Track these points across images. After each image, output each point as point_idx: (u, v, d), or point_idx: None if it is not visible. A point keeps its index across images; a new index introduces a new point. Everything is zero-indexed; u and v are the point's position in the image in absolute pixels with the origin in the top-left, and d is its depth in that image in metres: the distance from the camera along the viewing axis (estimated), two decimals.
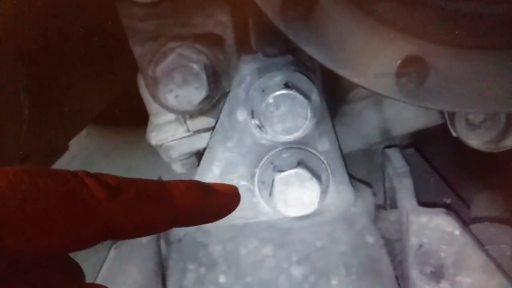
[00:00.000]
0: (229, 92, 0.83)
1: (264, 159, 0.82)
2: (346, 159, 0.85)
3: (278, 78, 0.80)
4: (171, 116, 0.85)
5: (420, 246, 0.78)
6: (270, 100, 0.78)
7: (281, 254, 0.81)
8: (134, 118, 0.96)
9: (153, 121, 0.87)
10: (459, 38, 0.62)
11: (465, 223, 0.83)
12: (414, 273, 0.78)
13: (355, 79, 0.64)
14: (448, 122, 0.84)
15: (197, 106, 0.78)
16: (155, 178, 0.89)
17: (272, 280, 0.80)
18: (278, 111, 0.78)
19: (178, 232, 0.84)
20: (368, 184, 0.89)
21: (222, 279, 0.80)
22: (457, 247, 0.77)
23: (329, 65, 0.63)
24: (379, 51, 0.63)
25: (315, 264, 0.80)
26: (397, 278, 0.80)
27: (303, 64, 0.82)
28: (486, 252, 0.77)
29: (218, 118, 0.83)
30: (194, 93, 0.76)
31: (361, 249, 0.81)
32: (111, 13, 0.73)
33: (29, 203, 0.23)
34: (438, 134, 0.94)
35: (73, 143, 0.98)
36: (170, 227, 0.30)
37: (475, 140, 0.82)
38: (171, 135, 0.86)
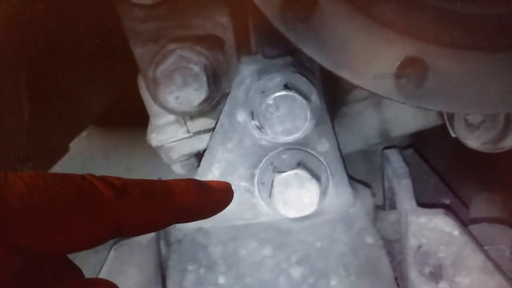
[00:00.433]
0: (229, 93, 0.83)
1: (264, 160, 0.82)
2: (346, 160, 0.85)
3: (278, 79, 0.80)
4: (171, 117, 0.85)
5: (419, 247, 0.78)
6: (270, 101, 0.78)
7: (281, 255, 0.81)
8: (134, 120, 0.96)
9: (153, 122, 0.87)
10: (458, 39, 0.63)
11: (464, 223, 0.83)
12: (413, 274, 0.78)
13: (355, 80, 0.64)
14: (447, 123, 0.84)
15: (197, 107, 0.78)
16: (155, 179, 0.89)
17: (271, 280, 0.80)
18: (277, 112, 0.79)
19: (178, 233, 0.84)
20: (367, 185, 0.89)
21: (221, 280, 0.80)
22: (456, 248, 0.77)
23: (329, 66, 0.63)
24: (379, 52, 0.63)
25: (315, 265, 0.80)
26: (396, 278, 0.80)
27: (302, 65, 0.82)
28: (485, 252, 0.78)
29: (218, 119, 0.83)
30: (194, 95, 0.76)
31: (361, 249, 0.82)
32: (111, 15, 0.73)
33: (46, 205, 0.25)
34: (437, 135, 0.95)
35: (73, 145, 0.98)
36: (172, 223, 0.32)
37: (474, 141, 0.82)
38: (171, 136, 0.86)
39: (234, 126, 0.82)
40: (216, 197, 0.34)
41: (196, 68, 0.75)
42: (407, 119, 0.96)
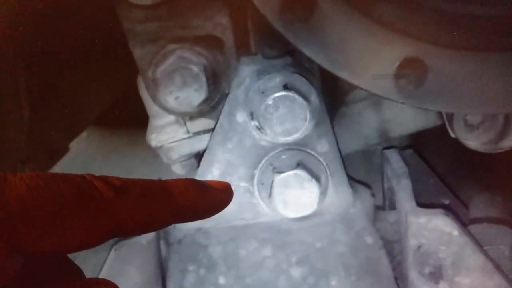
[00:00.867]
0: (228, 93, 0.83)
1: (264, 160, 0.82)
2: (345, 160, 0.85)
3: (277, 79, 0.80)
4: (171, 117, 0.85)
5: (419, 247, 0.78)
6: (270, 102, 0.78)
7: (281, 255, 0.82)
8: (134, 120, 0.96)
9: (153, 123, 0.87)
10: (457, 40, 0.63)
11: (464, 224, 0.83)
12: (413, 274, 0.78)
13: (354, 81, 0.64)
14: (446, 123, 0.84)
15: (197, 108, 0.78)
16: (155, 179, 0.89)
17: (271, 281, 0.80)
18: (277, 113, 0.79)
19: (178, 233, 0.84)
20: (367, 185, 0.89)
21: (222, 280, 0.80)
22: (455, 248, 0.77)
23: (328, 66, 0.64)
24: (378, 53, 0.63)
25: (315, 265, 0.80)
26: (396, 278, 0.80)
27: (302, 66, 0.82)
28: (485, 252, 0.78)
29: (217, 119, 0.83)
30: (194, 95, 0.76)
31: (360, 249, 0.82)
32: (111, 15, 0.73)
33: (46, 205, 0.25)
34: (437, 135, 0.95)
35: (73, 145, 0.98)
36: (171, 222, 0.32)
37: (474, 141, 0.82)
38: (171, 137, 0.86)
39: (234, 127, 0.82)
40: (215, 197, 0.34)
41: (195, 69, 0.75)
42: (406, 119, 0.96)
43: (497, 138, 0.81)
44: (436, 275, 0.77)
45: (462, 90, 0.64)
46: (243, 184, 0.83)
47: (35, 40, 0.72)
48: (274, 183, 0.79)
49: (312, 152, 0.82)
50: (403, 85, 0.64)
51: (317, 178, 0.80)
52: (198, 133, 0.87)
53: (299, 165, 0.80)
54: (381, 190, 0.94)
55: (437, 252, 0.78)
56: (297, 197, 0.79)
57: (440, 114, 0.90)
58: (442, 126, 0.86)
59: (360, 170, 0.96)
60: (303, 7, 0.61)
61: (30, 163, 0.77)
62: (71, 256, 0.31)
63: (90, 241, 0.27)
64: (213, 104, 0.82)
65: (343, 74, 0.64)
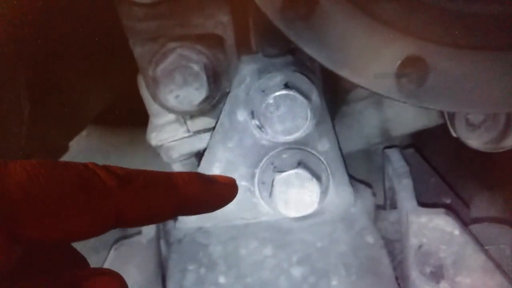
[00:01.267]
0: (229, 92, 0.83)
1: (264, 159, 0.82)
2: (346, 159, 0.85)
3: (278, 78, 0.80)
4: (171, 116, 0.85)
5: (420, 246, 0.78)
6: (270, 101, 0.78)
7: (281, 255, 0.81)
8: (134, 119, 0.96)
9: (153, 122, 0.87)
10: (459, 39, 0.62)
11: (465, 223, 0.83)
12: (414, 273, 0.78)
13: (355, 80, 0.64)
14: (448, 122, 0.84)
15: (197, 107, 0.78)
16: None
17: (272, 280, 0.80)
18: (278, 112, 0.78)
19: (178, 232, 0.84)
20: (368, 185, 0.89)
21: (222, 279, 0.80)
22: (456, 247, 0.77)
23: (329, 65, 0.63)
24: (379, 52, 0.63)
25: (315, 265, 0.80)
26: (397, 278, 0.80)
27: (303, 64, 0.82)
28: (486, 252, 0.77)
29: (218, 118, 0.83)
30: (195, 94, 0.76)
31: (361, 249, 0.81)
32: (111, 14, 0.73)
33: (47, 193, 0.25)
34: (438, 135, 0.94)
35: (73, 144, 0.98)
36: (175, 215, 0.32)
37: (475, 141, 0.82)
38: (171, 136, 0.86)
39: (235, 126, 0.82)
40: (220, 191, 0.34)
41: (196, 67, 0.75)
42: (407, 118, 0.96)
43: (498, 137, 0.81)
44: (437, 274, 0.77)
45: (464, 89, 0.64)
46: (243, 183, 0.83)
47: (35, 39, 0.71)
48: (274, 182, 0.79)
49: (313, 151, 0.82)
50: (404, 84, 0.64)
51: (318, 177, 0.80)
52: (198, 132, 0.87)
53: (300, 164, 0.80)
54: (382, 189, 0.94)
55: (438, 251, 0.77)
56: (298, 196, 0.79)
57: (441, 113, 0.90)
58: (444, 125, 0.86)
59: (361, 169, 0.96)
60: (304, 5, 0.61)
61: None
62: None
63: (92, 230, 0.27)
64: (213, 103, 0.81)
65: (344, 72, 0.64)
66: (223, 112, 0.82)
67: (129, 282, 0.80)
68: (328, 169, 0.82)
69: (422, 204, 0.82)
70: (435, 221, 0.78)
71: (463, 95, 0.65)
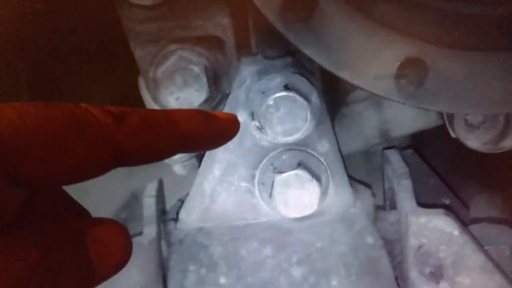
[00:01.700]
0: (229, 94, 0.83)
1: (264, 160, 0.83)
2: (346, 160, 0.85)
3: (278, 80, 0.80)
4: None
5: (420, 247, 0.78)
6: (270, 102, 0.78)
7: (281, 255, 0.82)
8: None
9: None
10: (458, 40, 0.63)
11: (464, 223, 0.83)
12: (414, 274, 0.78)
13: (355, 81, 0.64)
14: (447, 123, 0.84)
15: (198, 108, 0.78)
16: (156, 180, 0.89)
17: (272, 280, 0.80)
18: (278, 113, 0.79)
19: (179, 233, 0.84)
20: (368, 185, 0.89)
21: (222, 280, 0.80)
22: (456, 248, 0.77)
23: (329, 67, 0.64)
24: (379, 53, 0.63)
25: (315, 265, 0.80)
26: (396, 278, 0.81)
27: (302, 66, 0.82)
28: (485, 252, 0.78)
29: None
30: (195, 95, 0.77)
31: (361, 249, 0.82)
32: (111, 15, 0.73)
33: (40, 132, 0.24)
34: (437, 135, 0.95)
35: None
36: (176, 152, 0.30)
37: (474, 141, 0.82)
38: None
39: None
40: (221, 126, 0.33)
41: (196, 69, 0.75)
42: (407, 119, 0.96)
43: (497, 138, 0.81)
44: (436, 275, 0.77)
45: (463, 90, 0.64)
46: (243, 184, 0.83)
47: (36, 39, 0.72)
48: (274, 183, 0.79)
49: (313, 152, 0.82)
50: (403, 85, 0.64)
51: (318, 178, 0.80)
52: None
53: (300, 165, 0.80)
54: (382, 190, 0.94)
55: (438, 252, 0.78)
56: (297, 197, 0.79)
57: (440, 114, 0.90)
58: (443, 126, 0.87)
59: (360, 170, 0.97)
60: (303, 7, 0.61)
61: None
62: None
63: (91, 169, 0.26)
64: (213, 105, 0.82)
65: (343, 74, 0.64)
66: None
67: (129, 282, 0.80)
68: (328, 170, 0.83)
69: (422, 204, 0.82)
70: (434, 222, 0.78)
71: (462, 96, 0.65)
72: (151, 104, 0.84)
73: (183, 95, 0.76)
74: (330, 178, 0.83)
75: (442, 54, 0.63)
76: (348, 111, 0.95)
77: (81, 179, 0.26)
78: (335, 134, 0.84)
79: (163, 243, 0.83)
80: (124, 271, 0.30)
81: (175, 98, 0.77)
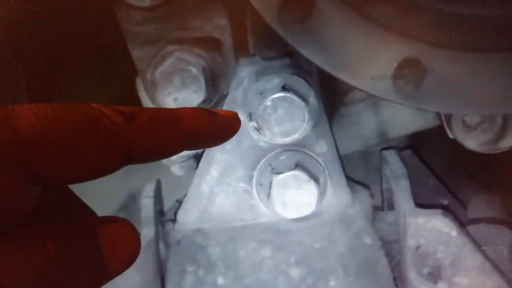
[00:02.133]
0: (227, 94, 0.83)
1: (262, 161, 0.83)
2: (344, 161, 0.86)
3: (276, 81, 0.80)
4: None
5: (418, 247, 0.78)
6: (268, 103, 0.78)
7: (280, 256, 0.82)
8: None
9: None
10: (455, 41, 0.63)
11: (462, 224, 0.83)
12: (412, 274, 0.78)
13: (353, 82, 0.64)
14: (444, 124, 0.84)
15: None
16: (154, 181, 0.89)
17: (270, 281, 0.80)
18: (275, 114, 0.79)
19: (177, 234, 0.84)
20: (366, 186, 0.89)
21: (220, 280, 0.80)
22: (454, 248, 0.77)
23: (327, 67, 0.64)
24: (376, 54, 0.63)
25: (313, 266, 0.81)
26: (394, 279, 0.81)
27: (300, 67, 0.83)
28: (483, 252, 0.78)
29: None
30: (193, 96, 0.77)
31: (359, 250, 0.82)
32: (109, 16, 0.73)
33: (56, 131, 0.25)
34: (435, 136, 0.95)
35: None
36: (183, 148, 0.32)
37: (472, 142, 0.82)
38: None
39: None
40: (224, 122, 0.34)
41: (194, 70, 0.75)
42: (405, 120, 0.96)
43: (495, 138, 0.81)
44: (434, 275, 0.77)
45: (460, 91, 0.65)
46: (241, 185, 0.83)
47: (35, 40, 0.72)
48: (272, 184, 0.79)
49: (311, 153, 0.83)
50: (401, 86, 0.64)
51: (316, 179, 0.80)
52: None
53: (298, 166, 0.80)
54: (380, 190, 0.94)
55: (436, 252, 0.78)
56: (295, 198, 0.79)
57: (438, 114, 0.90)
58: (440, 127, 0.87)
59: (358, 170, 0.97)
60: (301, 8, 0.61)
61: None
62: None
63: (104, 166, 0.27)
64: (211, 106, 0.82)
65: (341, 75, 0.64)
66: None
67: (128, 283, 0.80)
68: (326, 171, 0.83)
69: (420, 205, 0.82)
70: (432, 222, 0.79)
71: (459, 97, 0.65)
72: (148, 105, 0.84)
73: (181, 96, 0.76)
74: (328, 178, 0.83)
75: (439, 55, 0.63)
76: (346, 112, 0.95)
77: (94, 177, 0.28)
78: (333, 134, 0.84)
79: (161, 244, 0.83)
80: None
81: (173, 99, 0.77)
